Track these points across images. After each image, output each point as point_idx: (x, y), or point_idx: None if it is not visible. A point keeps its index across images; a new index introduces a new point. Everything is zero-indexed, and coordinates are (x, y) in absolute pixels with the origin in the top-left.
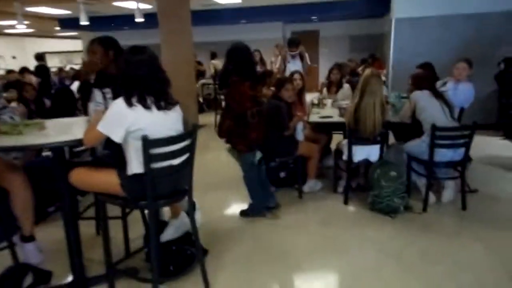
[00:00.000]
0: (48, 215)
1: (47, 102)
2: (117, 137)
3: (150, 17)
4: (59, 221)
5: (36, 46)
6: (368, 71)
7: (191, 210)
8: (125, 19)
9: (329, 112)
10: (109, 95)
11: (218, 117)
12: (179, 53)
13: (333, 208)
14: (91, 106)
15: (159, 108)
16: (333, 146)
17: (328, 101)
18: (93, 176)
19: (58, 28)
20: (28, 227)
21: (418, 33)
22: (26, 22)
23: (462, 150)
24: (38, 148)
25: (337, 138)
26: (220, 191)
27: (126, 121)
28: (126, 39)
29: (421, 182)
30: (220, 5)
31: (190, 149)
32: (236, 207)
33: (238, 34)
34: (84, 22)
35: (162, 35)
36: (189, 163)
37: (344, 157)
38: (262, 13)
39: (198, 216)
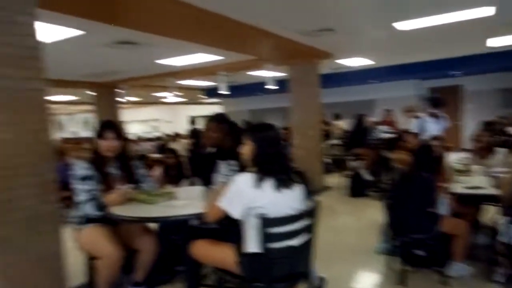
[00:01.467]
0: (177, 274)
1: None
2: (236, 213)
3: (280, 82)
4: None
5: (187, 112)
6: None
7: None
8: (258, 86)
9: (479, 181)
10: (234, 168)
11: (345, 178)
12: (308, 115)
13: None
14: (216, 178)
15: (281, 186)
16: (482, 218)
17: (476, 167)
18: (212, 251)
19: (204, 97)
20: (141, 276)
21: None
22: (177, 93)
23: None
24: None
25: (488, 210)
26: (347, 263)
27: (246, 198)
28: (259, 102)
29: None
30: (349, 67)
31: (311, 230)
32: (367, 283)
33: (366, 94)
34: (223, 91)
35: (293, 99)
36: (309, 244)
37: (503, 238)
38: (395, 71)
39: None
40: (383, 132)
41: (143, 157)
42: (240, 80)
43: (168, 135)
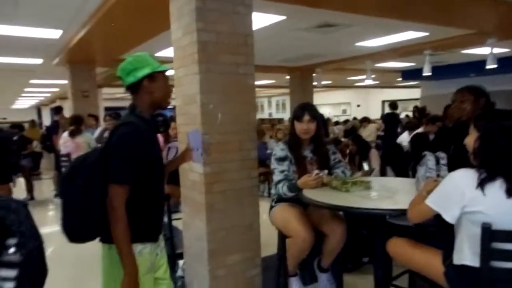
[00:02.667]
0: (363, 265)
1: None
2: (449, 217)
3: (502, 61)
4: (370, 273)
5: (378, 96)
6: None
7: None
8: (470, 66)
9: None
10: (443, 161)
11: None
12: None
13: None
14: (421, 171)
15: None
16: None
17: None
18: (414, 254)
19: (399, 79)
20: (327, 262)
21: None
22: (373, 76)
23: None
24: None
25: None
26: None
27: (463, 199)
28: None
29: None
30: None
31: None
32: None
33: None
34: (427, 73)
35: None
36: None
37: None
38: None
39: None
40: None
41: (337, 141)
42: (451, 60)
43: (356, 119)
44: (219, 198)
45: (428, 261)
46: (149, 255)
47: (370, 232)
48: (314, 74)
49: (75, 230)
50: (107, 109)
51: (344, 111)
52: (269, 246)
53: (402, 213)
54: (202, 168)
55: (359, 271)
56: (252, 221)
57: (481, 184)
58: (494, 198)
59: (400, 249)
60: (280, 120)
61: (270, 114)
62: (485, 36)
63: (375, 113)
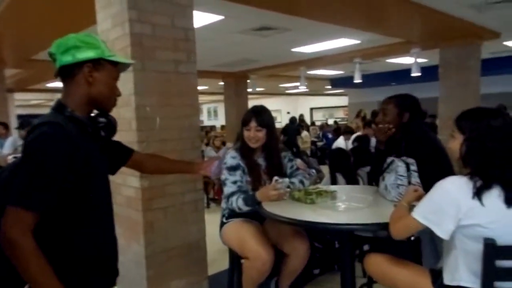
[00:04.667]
0: (314, 277)
1: None
2: (443, 232)
3: (422, 70)
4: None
5: (307, 103)
6: None
7: None
8: (393, 75)
9: None
10: (413, 167)
11: None
12: (463, 107)
13: None
14: (390, 179)
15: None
16: None
17: None
18: (397, 273)
19: (328, 87)
20: (287, 283)
21: None
22: (305, 83)
23: None
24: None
25: None
26: None
27: (458, 212)
28: (391, 93)
29: None
30: None
31: None
32: None
33: None
34: (358, 80)
35: (444, 88)
36: None
37: None
38: None
39: None
40: None
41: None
42: (372, 68)
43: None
44: (159, 216)
45: (415, 281)
46: None
47: (321, 244)
48: (248, 81)
49: None
50: (20, 117)
51: (275, 118)
52: (214, 263)
53: (382, 228)
54: (138, 182)
55: (310, 284)
56: (198, 239)
57: (478, 194)
58: (493, 208)
59: (380, 267)
60: (212, 128)
61: (201, 122)
62: (410, 45)
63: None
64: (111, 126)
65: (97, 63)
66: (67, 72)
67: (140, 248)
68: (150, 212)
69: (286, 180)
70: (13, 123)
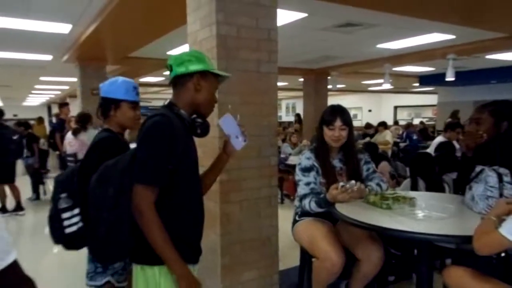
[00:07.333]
0: (388, 284)
1: None
2: None
3: None
4: None
5: (391, 101)
6: None
7: None
8: (493, 72)
9: None
10: (507, 178)
11: None
12: None
13: None
14: (478, 189)
15: None
16: None
17: None
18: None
19: (416, 84)
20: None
21: None
22: (390, 80)
23: None
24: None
25: None
26: None
27: None
28: (492, 92)
29: None
30: None
31: None
32: None
33: None
34: (450, 78)
35: None
36: None
37: None
38: None
39: None
40: None
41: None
42: (468, 65)
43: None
44: (235, 209)
45: None
46: None
47: (399, 250)
48: (329, 77)
49: (103, 250)
50: None
51: (355, 116)
52: (286, 258)
53: (462, 240)
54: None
55: None
56: (270, 235)
57: None
58: None
59: (460, 280)
60: (290, 124)
61: (279, 117)
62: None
63: (387, 119)
64: (206, 126)
65: (204, 74)
66: (179, 81)
67: (216, 238)
68: (227, 205)
69: (353, 182)
70: None
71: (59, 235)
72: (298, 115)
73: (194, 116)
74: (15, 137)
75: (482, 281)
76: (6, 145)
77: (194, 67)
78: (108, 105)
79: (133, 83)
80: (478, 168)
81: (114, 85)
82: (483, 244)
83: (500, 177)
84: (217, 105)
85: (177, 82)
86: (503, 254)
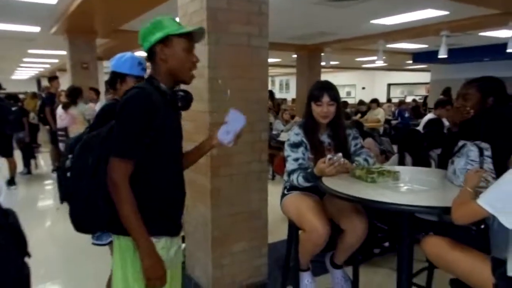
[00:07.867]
0: (373, 256)
1: None
2: (510, 222)
3: None
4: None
5: (384, 78)
6: None
7: None
8: (487, 49)
9: None
10: (487, 152)
11: None
12: None
13: None
14: (459, 163)
15: None
16: None
17: None
18: (457, 258)
19: (409, 61)
20: (342, 259)
21: None
22: (383, 57)
23: None
24: None
25: None
26: None
27: None
28: (486, 71)
29: None
30: None
31: None
32: None
33: None
34: (443, 55)
35: None
36: None
37: None
38: None
39: None
40: None
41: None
42: (461, 42)
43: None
44: (225, 183)
45: (474, 268)
46: (161, 250)
47: (384, 223)
48: (322, 54)
49: (81, 218)
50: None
51: (349, 93)
52: (275, 232)
53: (442, 211)
54: None
55: (369, 263)
56: (259, 208)
57: None
58: None
59: (439, 250)
60: (284, 100)
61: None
62: (508, 17)
63: (381, 96)
64: (187, 99)
65: (167, 40)
66: (150, 55)
67: (206, 210)
68: (217, 178)
69: (340, 154)
70: (102, 89)
71: (64, 192)
72: (270, 92)
73: (176, 88)
74: (14, 108)
75: (460, 249)
76: (5, 115)
77: (153, 38)
78: (115, 78)
79: (138, 58)
80: (460, 143)
81: (120, 60)
82: (461, 214)
83: (481, 151)
84: (207, 80)
85: (149, 57)
86: (482, 226)
